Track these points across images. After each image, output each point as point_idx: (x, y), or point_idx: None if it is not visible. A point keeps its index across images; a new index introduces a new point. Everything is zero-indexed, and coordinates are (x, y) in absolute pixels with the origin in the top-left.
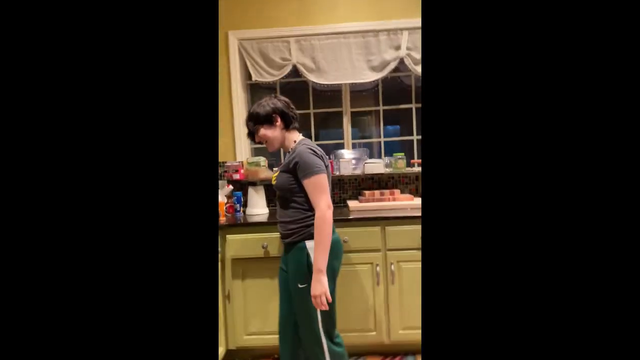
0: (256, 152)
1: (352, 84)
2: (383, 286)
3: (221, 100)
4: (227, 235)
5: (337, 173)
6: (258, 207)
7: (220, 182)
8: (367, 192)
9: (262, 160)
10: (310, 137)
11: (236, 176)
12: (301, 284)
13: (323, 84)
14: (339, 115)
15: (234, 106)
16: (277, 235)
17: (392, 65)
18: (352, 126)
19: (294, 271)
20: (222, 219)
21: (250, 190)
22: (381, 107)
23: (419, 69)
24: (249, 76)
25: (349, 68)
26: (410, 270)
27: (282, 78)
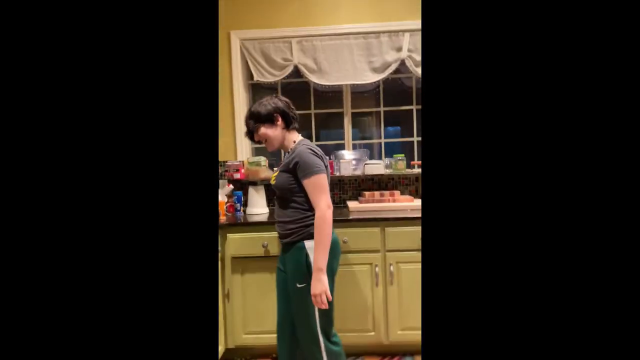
0: (257, 152)
1: (353, 85)
2: (382, 287)
3: (223, 100)
4: (228, 234)
5: (338, 174)
6: (258, 206)
7: (220, 181)
8: (367, 193)
9: (263, 160)
10: (311, 138)
11: (237, 175)
12: (300, 284)
13: (324, 85)
14: (340, 115)
15: (235, 106)
16: (277, 234)
17: (393, 67)
18: (353, 127)
19: (292, 271)
20: (223, 218)
21: (251, 190)
22: (382, 109)
23: (420, 70)
24: (251, 76)
25: (350, 69)
26: (409, 271)
27: (284, 78)
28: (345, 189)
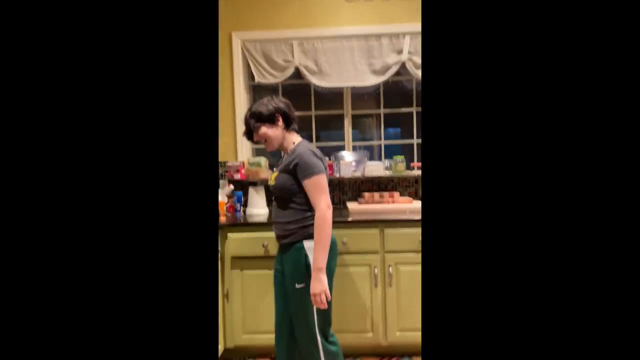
0: (257, 153)
1: (354, 86)
2: (381, 288)
3: (223, 101)
4: (228, 234)
5: (338, 175)
6: (258, 207)
7: (221, 181)
8: (366, 194)
9: (263, 161)
10: (311, 139)
11: (237, 176)
12: (299, 284)
13: (325, 86)
14: (340, 117)
15: (236, 107)
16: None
17: (394, 69)
18: (353, 128)
19: (291, 271)
20: (223, 219)
21: (251, 190)
22: (382, 111)
23: (420, 73)
24: (252, 77)
25: (351, 71)
26: (408, 273)
27: (284, 80)
28: (345, 190)
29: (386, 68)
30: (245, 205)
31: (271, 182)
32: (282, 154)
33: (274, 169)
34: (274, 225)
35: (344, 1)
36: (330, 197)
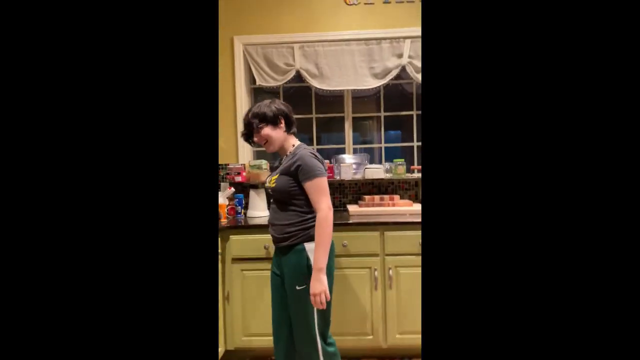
0: (258, 155)
1: (354, 89)
2: (381, 291)
3: (225, 104)
4: (230, 236)
5: (338, 177)
6: (259, 209)
7: (222, 184)
8: (367, 197)
9: (264, 163)
10: (312, 141)
11: (238, 178)
12: (299, 286)
13: (326, 90)
14: (341, 120)
15: (238, 110)
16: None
17: (394, 73)
18: (354, 131)
19: (291, 273)
20: (224, 221)
21: (252, 193)
22: (382, 114)
23: (420, 76)
24: (253, 80)
25: (351, 74)
26: (408, 276)
27: (286, 83)
28: (345, 192)
29: (386, 71)
30: (246, 207)
31: (271, 185)
32: (280, 157)
33: (272, 172)
34: (271, 227)
35: (344, 5)
36: (331, 200)
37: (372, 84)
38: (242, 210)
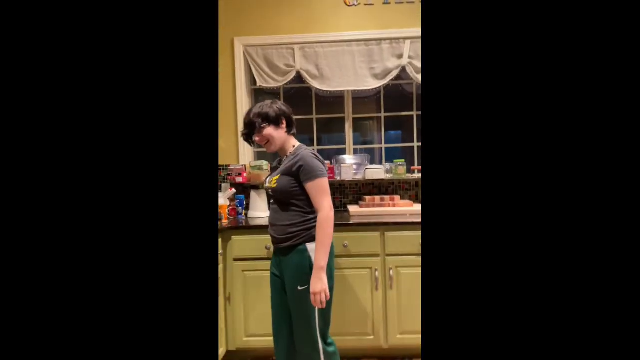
0: (259, 156)
1: (355, 90)
2: (382, 291)
3: (226, 105)
4: (231, 237)
5: (339, 178)
6: (260, 210)
7: (223, 185)
8: (367, 198)
9: (265, 164)
10: (312, 142)
11: (239, 179)
12: (301, 287)
13: (326, 90)
14: (341, 120)
15: (238, 111)
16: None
17: (394, 73)
18: (354, 131)
19: (293, 274)
20: (225, 222)
21: (253, 194)
22: (382, 114)
23: (420, 77)
24: (254, 81)
25: (351, 75)
26: (408, 276)
27: (286, 84)
28: (346, 193)
29: (387, 72)
30: (247, 208)
31: (272, 185)
32: (279, 158)
33: (272, 172)
34: (271, 228)
35: (344, 6)
36: (332, 200)
37: (373, 84)
38: (243, 211)
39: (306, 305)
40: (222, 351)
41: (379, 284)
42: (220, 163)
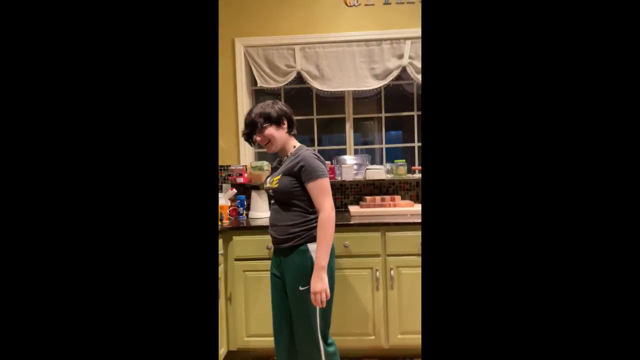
0: (259, 157)
1: (355, 90)
2: (382, 291)
3: (226, 105)
4: (232, 237)
5: (339, 178)
6: (261, 210)
7: (224, 185)
8: (368, 198)
9: (266, 165)
10: (313, 142)
11: (240, 180)
12: (302, 287)
13: (326, 91)
14: (342, 121)
15: (239, 111)
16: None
17: (395, 74)
18: (355, 132)
19: (294, 274)
20: (226, 222)
21: (254, 194)
22: (383, 115)
23: (420, 77)
24: (254, 82)
25: (352, 76)
26: (409, 276)
27: (287, 84)
28: (346, 193)
29: (387, 72)
30: (247, 208)
31: (273, 185)
32: (280, 158)
33: (272, 173)
34: (272, 228)
35: (345, 7)
36: (332, 200)
37: (373, 84)
38: (244, 212)
39: (307, 305)
40: (223, 351)
41: (379, 284)
42: (220, 163)
